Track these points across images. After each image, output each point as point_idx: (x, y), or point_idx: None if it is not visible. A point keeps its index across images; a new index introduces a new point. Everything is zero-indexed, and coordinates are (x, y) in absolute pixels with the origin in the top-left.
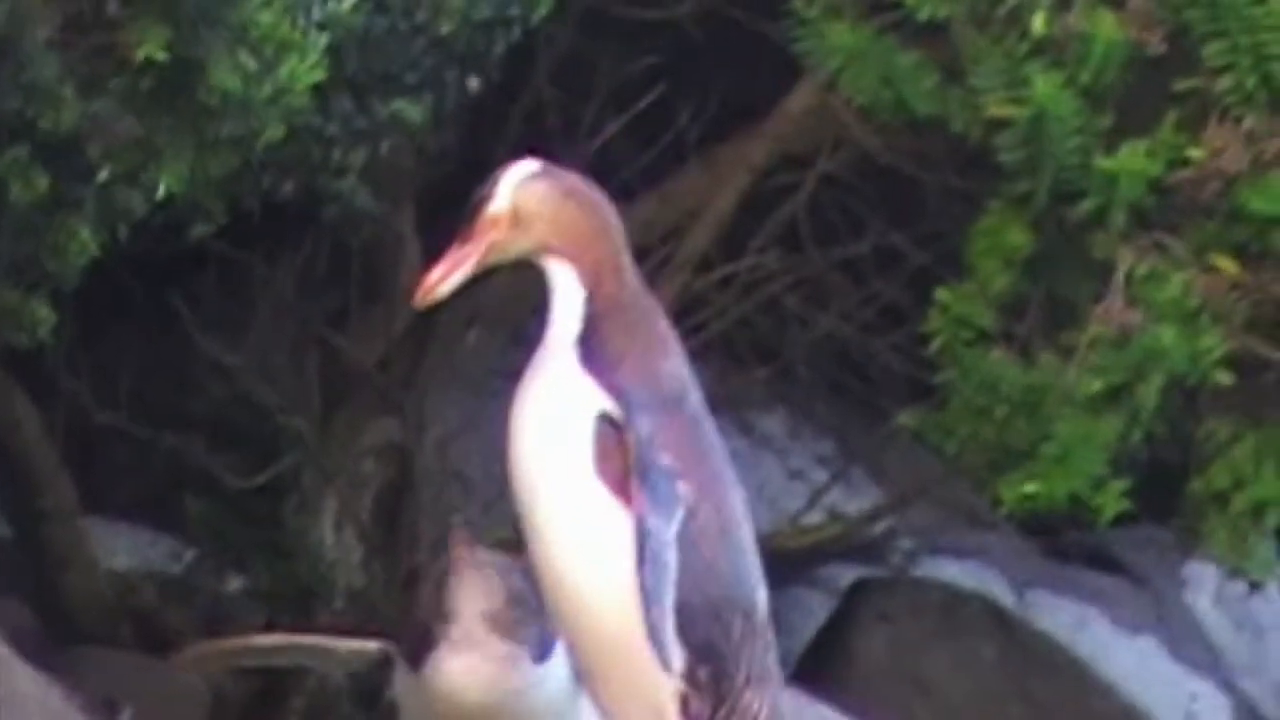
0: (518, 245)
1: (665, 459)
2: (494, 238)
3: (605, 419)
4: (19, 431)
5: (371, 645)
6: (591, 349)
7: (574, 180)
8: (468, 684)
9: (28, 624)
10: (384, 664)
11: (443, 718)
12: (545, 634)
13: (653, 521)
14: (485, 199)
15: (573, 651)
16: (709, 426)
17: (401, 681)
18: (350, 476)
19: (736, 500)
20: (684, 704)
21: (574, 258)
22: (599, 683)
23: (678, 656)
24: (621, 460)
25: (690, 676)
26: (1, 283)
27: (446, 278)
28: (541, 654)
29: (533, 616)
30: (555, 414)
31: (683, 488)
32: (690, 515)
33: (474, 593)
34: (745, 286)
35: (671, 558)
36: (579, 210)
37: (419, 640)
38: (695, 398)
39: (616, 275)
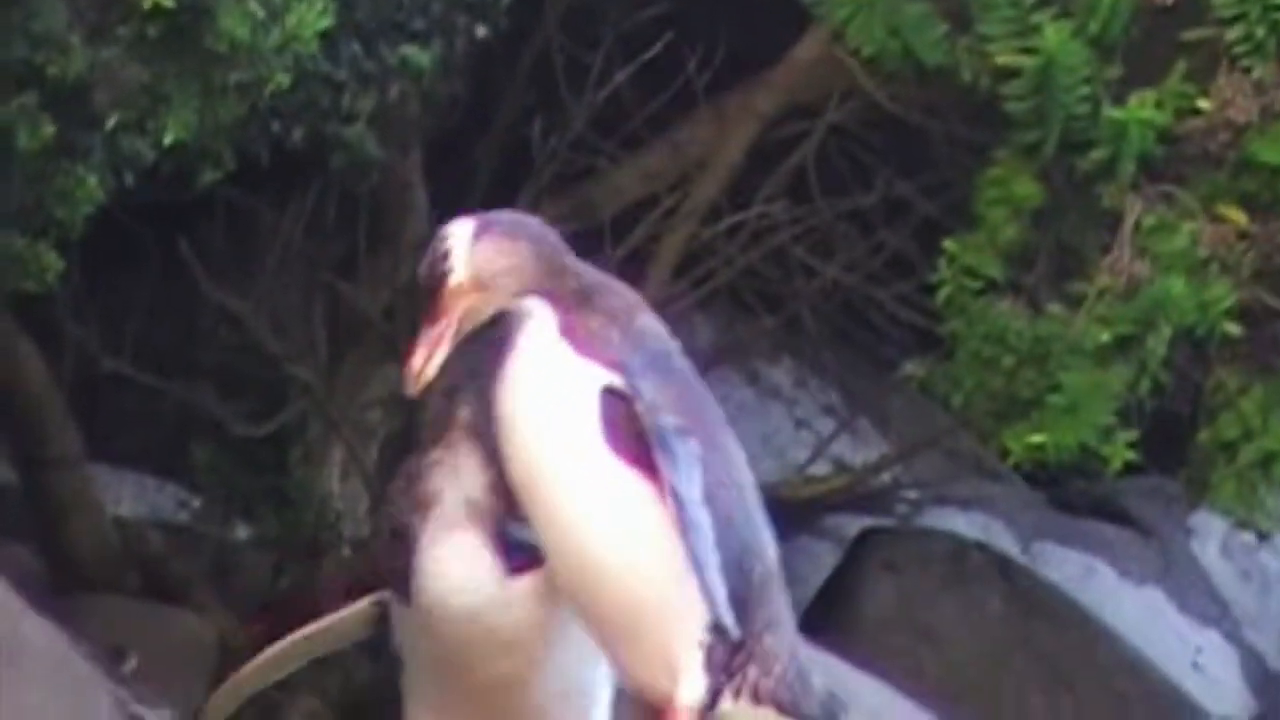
0: (490, 305)
1: (672, 420)
2: (465, 306)
3: (610, 392)
4: (26, 379)
5: (365, 604)
6: (577, 337)
7: (512, 222)
8: (449, 585)
9: (34, 572)
10: (384, 617)
11: (435, 632)
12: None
13: (683, 488)
14: (441, 276)
15: (586, 618)
16: (696, 376)
17: (397, 623)
18: (356, 426)
19: (734, 446)
20: (709, 653)
21: (540, 293)
22: (617, 647)
23: (703, 611)
24: (630, 431)
25: (714, 627)
26: (9, 230)
27: (429, 360)
28: (515, 564)
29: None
30: (559, 399)
31: (692, 444)
32: (704, 470)
33: (458, 475)
34: (752, 236)
35: (705, 518)
36: (529, 250)
37: (400, 548)
38: (675, 346)
39: (578, 289)
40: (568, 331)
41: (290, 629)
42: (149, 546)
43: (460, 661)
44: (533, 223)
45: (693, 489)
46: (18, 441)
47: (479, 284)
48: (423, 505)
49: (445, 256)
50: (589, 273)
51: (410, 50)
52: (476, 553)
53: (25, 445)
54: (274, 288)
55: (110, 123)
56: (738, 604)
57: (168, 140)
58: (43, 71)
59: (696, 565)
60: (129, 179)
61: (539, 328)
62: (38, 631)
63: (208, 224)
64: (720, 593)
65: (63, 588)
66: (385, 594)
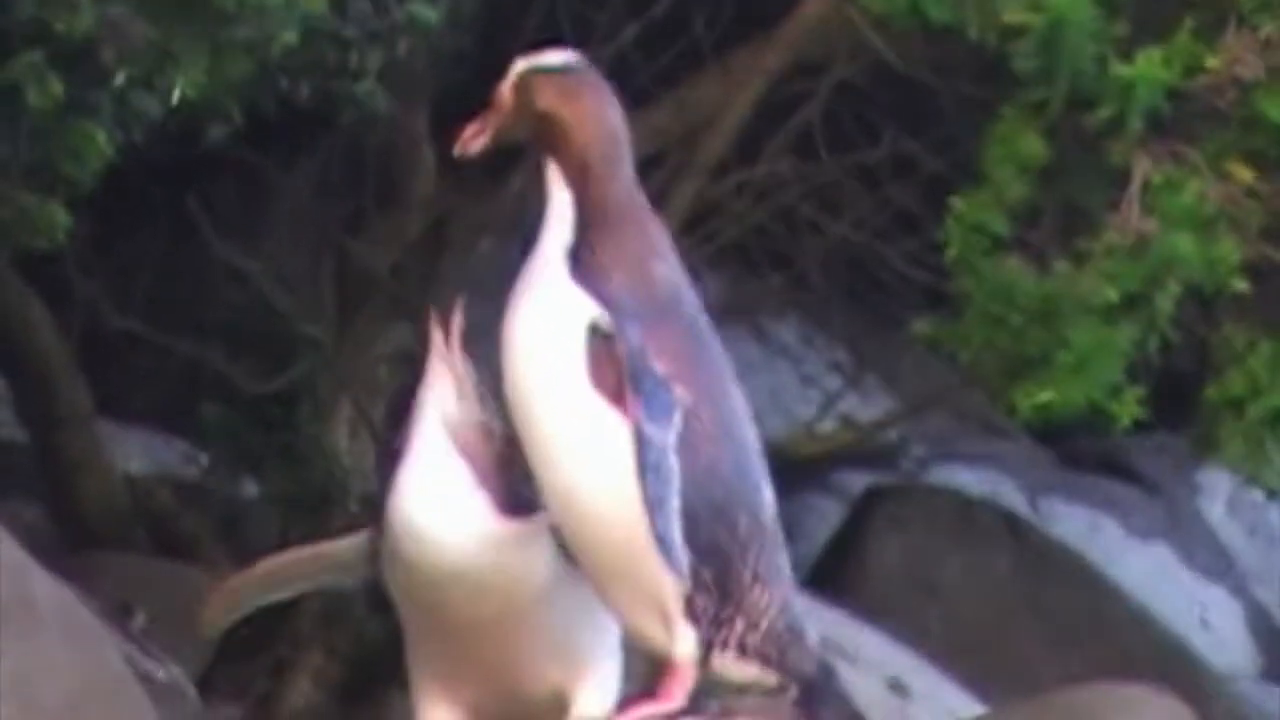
0: (518, 124)
1: (659, 365)
2: (503, 110)
3: (596, 329)
4: (35, 336)
5: (363, 537)
6: (581, 259)
7: (582, 78)
8: (419, 502)
9: (43, 528)
10: (377, 554)
11: (403, 557)
12: (519, 489)
13: (649, 429)
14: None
15: (580, 561)
16: (705, 327)
17: (384, 556)
18: (365, 383)
19: (737, 399)
20: (689, 604)
21: (562, 156)
22: (607, 590)
23: (684, 559)
24: (614, 369)
25: (695, 577)
26: (18, 187)
27: (479, 136)
28: (511, 509)
29: (505, 463)
30: (547, 327)
31: (679, 391)
32: (689, 418)
33: (443, 389)
34: (759, 193)
35: (672, 464)
36: (573, 106)
37: (386, 468)
38: (690, 299)
39: (608, 176)
40: (575, 252)
41: None
42: (158, 503)
43: (430, 600)
44: (605, 99)
45: (663, 434)
46: (27, 399)
47: (518, 99)
48: (410, 422)
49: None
50: (631, 189)
51: (418, 6)
52: (455, 475)
53: (34, 403)
54: (282, 245)
55: (118, 80)
56: (720, 556)
57: (176, 97)
58: (50, 29)
59: (650, 508)
60: (138, 136)
61: (551, 236)
62: (47, 589)
63: (216, 182)
64: (673, 538)
65: (72, 545)
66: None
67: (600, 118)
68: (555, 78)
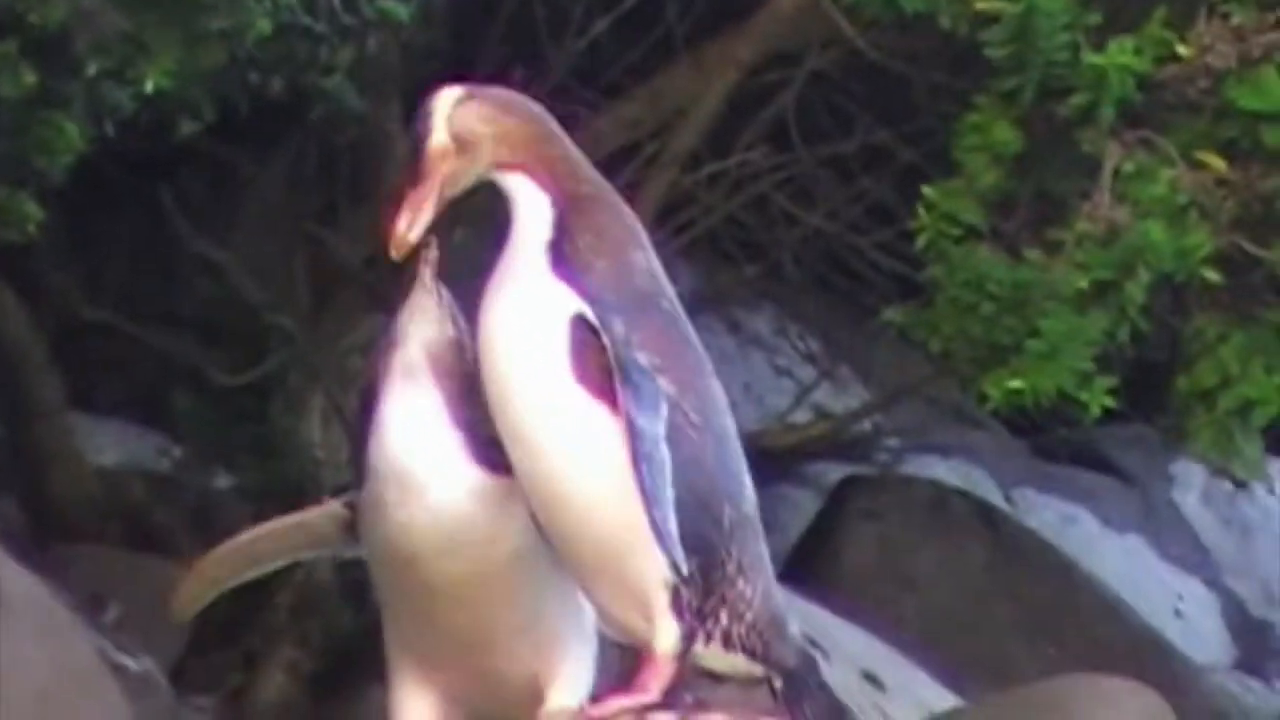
0: (470, 171)
1: (643, 357)
2: (444, 171)
3: (580, 321)
4: (7, 328)
5: (337, 504)
6: (561, 253)
7: (505, 94)
8: (401, 444)
9: (15, 521)
10: (355, 525)
11: (383, 508)
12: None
13: (641, 422)
14: (423, 137)
15: (562, 554)
16: (683, 318)
17: (360, 521)
18: (338, 375)
19: (716, 391)
20: (674, 595)
21: (528, 167)
22: (590, 582)
23: (682, 551)
24: (599, 362)
25: (677, 569)
26: None
27: (412, 224)
28: (488, 464)
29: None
30: (528, 322)
31: (664, 383)
32: (673, 410)
33: (417, 329)
34: (733, 184)
35: (665, 455)
36: (519, 120)
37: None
38: (668, 290)
39: (574, 174)
40: (554, 247)
41: (269, 577)
42: (130, 496)
43: (406, 553)
44: (536, 107)
45: (654, 425)
46: None
47: (460, 146)
48: (385, 366)
49: (428, 118)
50: (598, 183)
51: (389, 2)
52: (439, 426)
53: (7, 395)
54: (255, 238)
55: (91, 71)
56: (705, 547)
57: (148, 88)
58: (23, 19)
59: (647, 500)
60: (110, 128)
61: (525, 233)
62: (19, 582)
63: (189, 174)
64: (670, 529)
65: (44, 538)
66: (355, 494)
67: (549, 124)
68: (476, 101)
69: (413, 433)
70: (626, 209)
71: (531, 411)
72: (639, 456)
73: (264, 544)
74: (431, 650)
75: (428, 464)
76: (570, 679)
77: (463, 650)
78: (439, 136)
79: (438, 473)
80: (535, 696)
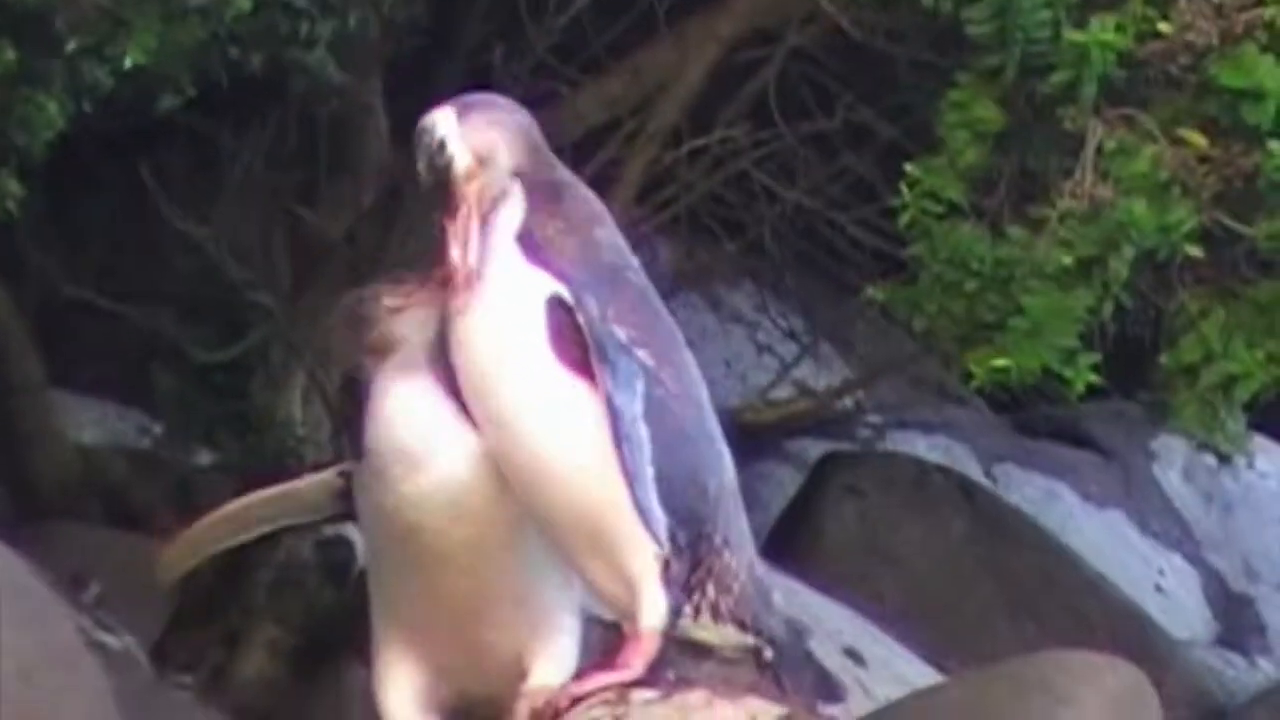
0: (494, 182)
1: (621, 331)
2: (473, 190)
3: (556, 302)
4: None
5: (330, 474)
6: (532, 241)
7: (484, 99)
8: (404, 428)
9: None
10: (347, 494)
11: (385, 482)
12: None
13: (620, 400)
14: (446, 167)
15: (549, 533)
16: (651, 289)
17: (357, 490)
18: (318, 351)
19: (691, 362)
20: (664, 568)
21: (521, 171)
22: (577, 559)
23: (661, 524)
24: (576, 340)
25: (671, 541)
26: None
27: (466, 254)
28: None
29: None
30: (507, 307)
31: (642, 356)
32: (654, 382)
33: (421, 323)
34: (714, 161)
35: (643, 432)
36: (511, 120)
37: (352, 396)
38: (634, 262)
39: (544, 162)
40: (524, 237)
41: (250, 554)
42: (111, 474)
43: (410, 522)
44: (503, 100)
45: (631, 403)
46: None
47: (482, 162)
48: (379, 350)
49: (442, 147)
50: (560, 167)
51: None
52: (437, 400)
53: None
54: (235, 214)
55: (70, 47)
56: (693, 519)
57: (128, 64)
58: None
59: (629, 478)
60: (89, 106)
61: (501, 229)
62: None
63: (168, 151)
64: (653, 507)
65: (24, 515)
66: (350, 465)
67: (517, 110)
68: (473, 114)
69: (412, 407)
70: (583, 186)
71: (514, 394)
72: (620, 437)
73: (255, 510)
74: (423, 622)
75: (430, 435)
76: (556, 656)
77: (456, 620)
78: (463, 160)
79: (440, 443)
80: (520, 672)
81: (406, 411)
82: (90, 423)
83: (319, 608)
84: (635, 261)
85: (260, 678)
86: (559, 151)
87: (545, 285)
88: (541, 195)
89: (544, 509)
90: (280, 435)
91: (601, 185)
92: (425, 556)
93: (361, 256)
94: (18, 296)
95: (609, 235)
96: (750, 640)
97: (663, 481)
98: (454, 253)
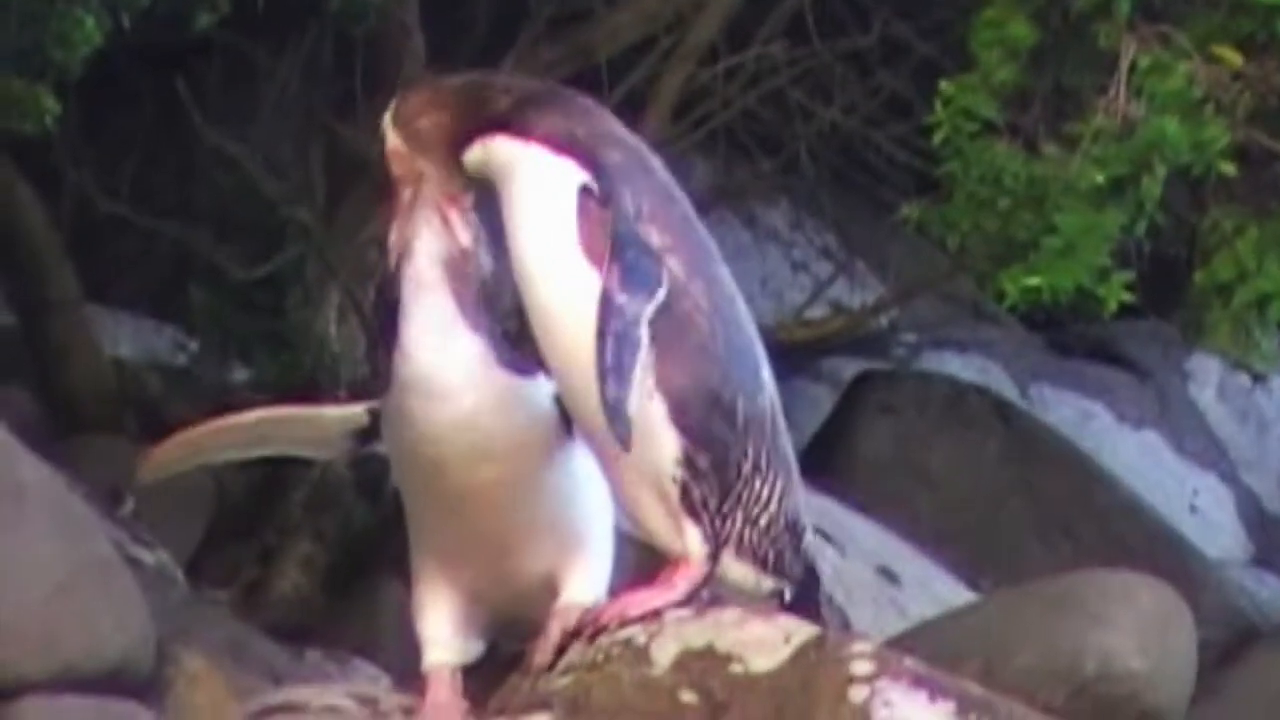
0: (437, 162)
1: (654, 236)
2: (413, 169)
3: (586, 191)
4: (23, 221)
5: (359, 409)
6: (572, 137)
7: (424, 82)
8: (427, 353)
9: (31, 413)
10: (374, 429)
11: (409, 415)
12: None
13: (620, 298)
14: (381, 152)
15: (582, 433)
16: (688, 204)
17: (384, 426)
18: (353, 268)
19: (725, 279)
20: (684, 491)
21: (481, 128)
22: (609, 469)
23: (672, 442)
24: (603, 232)
25: (688, 464)
26: (7, 73)
27: (402, 233)
28: (514, 367)
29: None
30: (539, 195)
31: (672, 264)
32: (680, 294)
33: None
34: (750, 78)
35: (640, 335)
36: (450, 94)
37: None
38: (656, 158)
39: (498, 97)
40: (558, 137)
41: (284, 473)
42: (147, 389)
43: (434, 460)
44: (458, 78)
45: (637, 304)
46: (16, 284)
47: (411, 138)
48: (399, 268)
49: (380, 135)
50: (529, 83)
51: None
52: (461, 331)
53: (24, 288)
54: (271, 131)
55: None
56: (716, 442)
57: None
58: None
59: (601, 372)
60: (127, 22)
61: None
62: (36, 473)
63: (205, 68)
64: (622, 408)
65: (61, 430)
66: (379, 403)
67: (464, 87)
68: (406, 102)
69: (435, 343)
70: (574, 91)
71: (544, 284)
72: (605, 329)
73: (264, 428)
74: (455, 552)
75: (453, 372)
76: (586, 577)
77: (487, 551)
78: (391, 140)
79: (464, 380)
80: (553, 591)
81: (428, 348)
82: (126, 338)
83: (354, 524)
84: (657, 158)
85: (295, 594)
86: (595, 69)
87: (576, 175)
88: (524, 117)
89: (573, 403)
90: (315, 352)
91: (638, 103)
92: (453, 493)
93: None
94: (54, 212)
95: (619, 128)
96: (769, 584)
97: (676, 398)
98: (393, 233)
